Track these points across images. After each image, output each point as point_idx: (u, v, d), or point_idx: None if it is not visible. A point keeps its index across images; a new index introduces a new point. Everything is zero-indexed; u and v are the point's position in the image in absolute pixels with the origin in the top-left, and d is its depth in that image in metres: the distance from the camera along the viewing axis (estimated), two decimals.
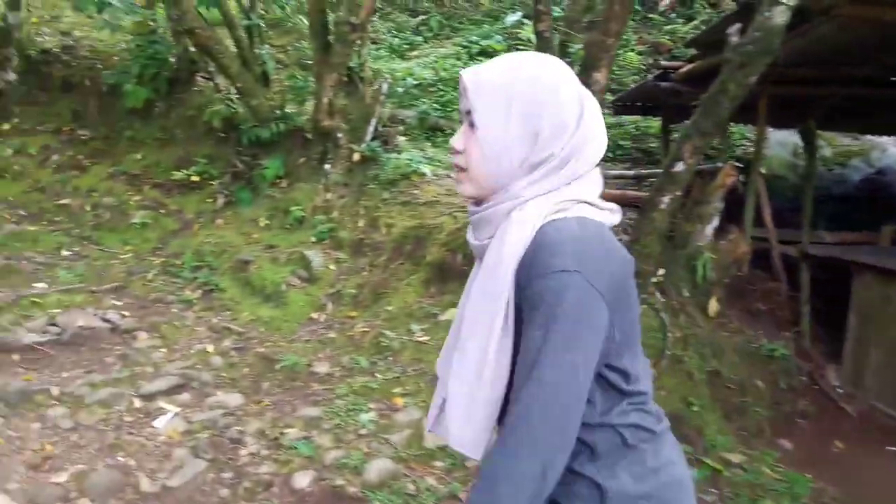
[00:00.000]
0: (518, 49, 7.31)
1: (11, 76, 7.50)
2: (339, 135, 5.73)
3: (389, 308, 4.80)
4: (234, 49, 6.41)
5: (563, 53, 5.45)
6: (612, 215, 1.16)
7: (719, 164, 4.85)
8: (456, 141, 1.17)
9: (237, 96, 6.77)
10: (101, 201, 6.71)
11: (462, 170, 1.16)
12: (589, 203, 1.11)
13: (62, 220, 6.47)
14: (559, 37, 5.53)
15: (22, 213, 6.44)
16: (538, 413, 0.98)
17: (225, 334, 4.74)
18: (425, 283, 4.89)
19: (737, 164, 4.83)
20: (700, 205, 4.38)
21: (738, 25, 4.06)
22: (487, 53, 7.26)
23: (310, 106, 6.24)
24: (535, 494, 0.98)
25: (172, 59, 7.24)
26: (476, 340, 1.09)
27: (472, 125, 1.13)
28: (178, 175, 6.83)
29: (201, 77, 7.64)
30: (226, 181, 6.75)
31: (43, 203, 6.65)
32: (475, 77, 1.13)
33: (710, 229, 4.39)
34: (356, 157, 5.83)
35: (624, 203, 3.35)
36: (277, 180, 6.46)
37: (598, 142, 1.14)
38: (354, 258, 5.40)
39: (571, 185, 1.11)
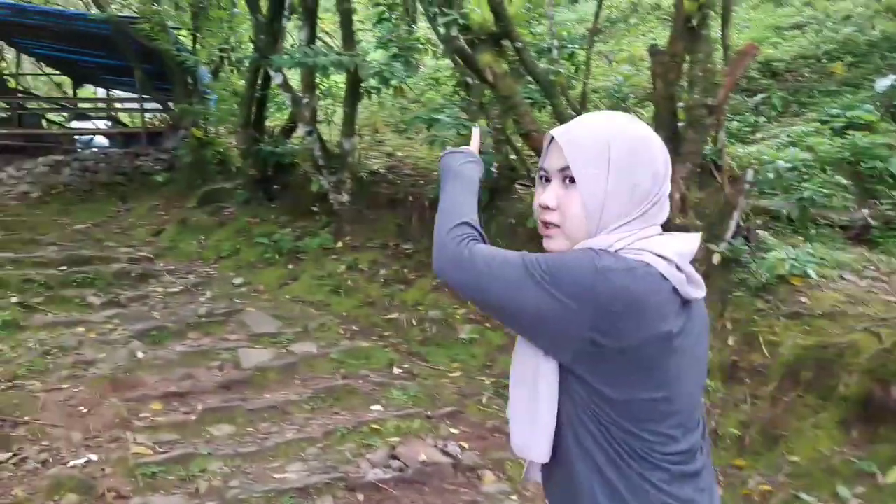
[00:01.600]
0: None
1: (345, 197, 7.85)
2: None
3: (794, 458, 3.63)
4: None
5: None
6: (688, 285, 1.13)
7: None
8: (549, 198, 1.21)
9: None
10: (427, 315, 6.48)
11: (555, 226, 1.21)
12: (665, 258, 1.11)
13: (391, 334, 6.33)
14: None
15: (354, 327, 6.43)
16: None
17: None
18: (842, 424, 3.66)
19: None
20: None
21: None
22: (856, 126, 5.97)
23: None
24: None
25: (493, 169, 7.03)
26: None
27: (568, 181, 1.18)
28: None
29: (520, 185, 7.35)
30: None
31: (373, 317, 6.60)
32: (569, 135, 1.18)
33: None
34: (715, 258, 4.87)
35: None
36: None
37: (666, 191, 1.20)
38: (728, 387, 4.34)
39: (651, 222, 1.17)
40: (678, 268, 1.12)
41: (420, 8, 8.12)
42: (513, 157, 6.97)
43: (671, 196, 4.26)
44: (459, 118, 6.69)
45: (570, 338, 1.09)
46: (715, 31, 5.26)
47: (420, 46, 7.59)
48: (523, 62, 5.11)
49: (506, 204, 7.07)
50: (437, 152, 8.53)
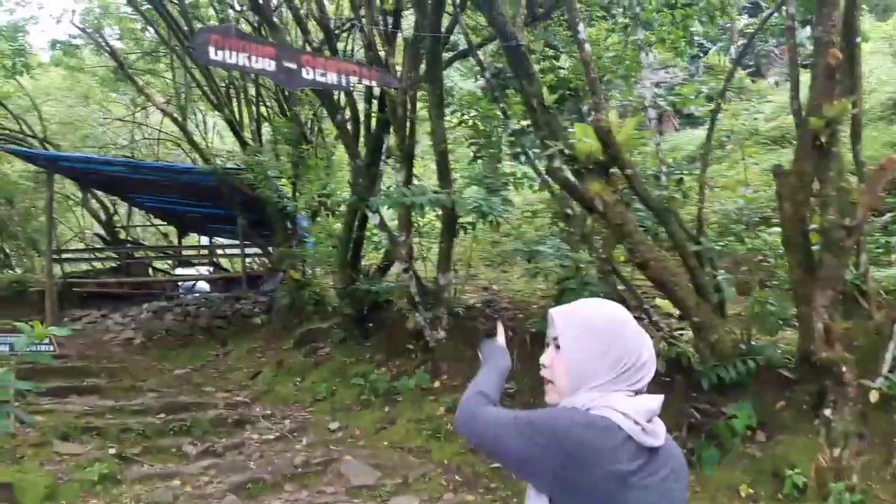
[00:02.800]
0: None
1: (441, 334, 7.59)
2: (843, 368, 4.26)
3: None
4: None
5: None
6: (644, 435, 1.42)
7: None
8: (545, 359, 1.60)
9: (681, 333, 5.81)
10: None
11: (549, 382, 1.58)
12: (623, 413, 1.42)
13: (498, 485, 5.81)
14: None
15: (458, 478, 5.95)
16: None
17: None
18: None
19: None
20: None
21: None
22: None
23: (786, 336, 4.95)
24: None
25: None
26: None
27: (557, 347, 1.55)
28: None
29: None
30: (680, 436, 5.57)
31: (477, 466, 6.11)
32: (563, 313, 1.58)
33: None
34: (873, 396, 4.26)
35: None
36: (750, 432, 5.10)
37: (650, 370, 1.53)
38: None
39: (630, 389, 1.50)
40: (635, 421, 1.40)
41: (504, 149, 8.23)
42: (621, 287, 6.61)
43: (813, 326, 3.73)
44: (561, 249, 6.45)
45: (545, 472, 1.42)
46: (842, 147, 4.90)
47: (515, 181, 7.52)
48: (634, 189, 4.88)
49: None
50: (540, 284, 8.28)
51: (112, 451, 6.07)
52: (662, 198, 5.15)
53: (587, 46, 4.73)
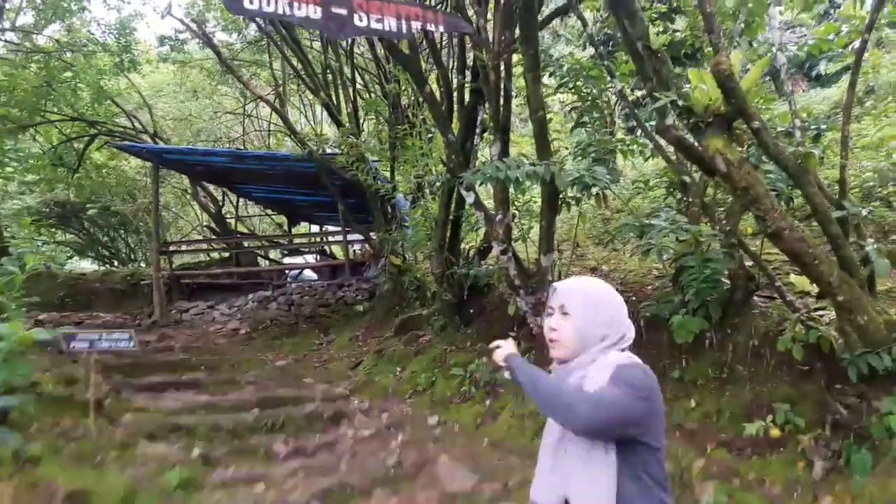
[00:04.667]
0: None
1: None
2: None
3: None
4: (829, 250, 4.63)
5: None
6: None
7: None
8: (553, 322, 2.11)
9: (821, 314, 4.91)
10: None
11: (555, 341, 2.10)
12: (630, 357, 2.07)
13: None
14: None
15: None
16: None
17: None
18: None
19: None
20: None
21: None
22: None
23: None
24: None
25: (724, 280, 5.81)
26: (599, 460, 1.98)
27: (565, 314, 2.08)
28: (750, 428, 5.01)
29: (760, 296, 6.02)
30: (823, 435, 4.71)
31: None
32: (569, 287, 2.12)
33: None
34: None
35: None
36: None
37: (633, 334, 2.14)
38: None
39: (620, 348, 2.09)
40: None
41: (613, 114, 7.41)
42: (749, 263, 5.73)
43: None
44: (677, 222, 5.63)
45: (650, 415, 1.95)
46: None
47: (624, 148, 6.72)
48: (764, 146, 4.02)
49: (743, 321, 5.75)
50: (653, 263, 7.45)
51: (197, 451, 5.84)
52: (797, 155, 4.25)
53: None
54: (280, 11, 3.98)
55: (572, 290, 2.09)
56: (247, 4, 3.93)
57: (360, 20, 4.19)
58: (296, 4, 3.98)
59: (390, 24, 4.28)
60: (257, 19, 13.47)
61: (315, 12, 4.03)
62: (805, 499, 4.45)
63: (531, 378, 2.10)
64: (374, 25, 4.25)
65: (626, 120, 7.92)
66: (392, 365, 8.63)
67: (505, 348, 2.31)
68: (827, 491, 4.42)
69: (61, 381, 6.60)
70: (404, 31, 4.37)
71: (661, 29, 7.01)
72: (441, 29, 4.85)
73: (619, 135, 7.85)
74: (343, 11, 4.11)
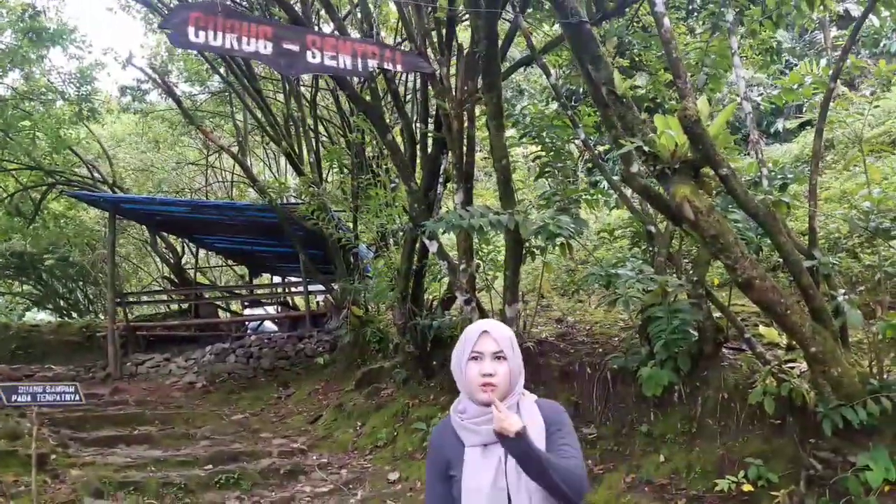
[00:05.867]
0: None
1: None
2: None
3: None
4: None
5: None
6: None
7: None
8: (489, 368, 2.06)
9: (791, 366, 4.83)
10: None
11: (494, 385, 2.05)
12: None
13: None
14: None
15: None
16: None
17: None
18: None
19: None
20: None
21: None
22: None
23: None
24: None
25: (691, 332, 5.72)
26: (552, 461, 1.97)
27: (498, 359, 2.07)
28: (722, 484, 4.86)
29: (729, 348, 5.94)
30: (798, 491, 4.57)
31: None
32: (500, 333, 2.12)
33: None
34: None
35: None
36: (888, 487, 4.09)
37: None
38: None
39: None
40: None
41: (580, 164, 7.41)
42: (717, 315, 5.67)
43: None
44: (643, 272, 5.56)
45: None
46: None
47: (588, 198, 6.69)
48: (733, 193, 3.97)
49: (713, 373, 5.65)
50: (620, 314, 7.37)
51: None
52: (766, 203, 4.22)
53: (666, 21, 3.92)
54: (227, 46, 3.86)
55: (504, 336, 2.11)
56: (192, 38, 3.79)
57: (313, 57, 4.08)
58: (244, 39, 3.85)
59: (345, 61, 4.17)
60: (220, 70, 13.44)
61: (265, 48, 3.93)
62: None
63: (546, 454, 1.98)
64: (328, 63, 4.14)
65: (590, 173, 7.92)
66: (352, 419, 8.36)
67: (515, 417, 1.99)
68: None
69: (4, 436, 6.39)
70: (360, 68, 4.27)
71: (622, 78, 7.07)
72: (399, 68, 4.79)
73: (583, 186, 7.85)
74: (295, 48, 4.00)
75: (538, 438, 1.99)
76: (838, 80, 5.30)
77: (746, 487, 4.77)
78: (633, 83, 7.24)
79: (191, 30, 3.74)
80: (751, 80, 13.47)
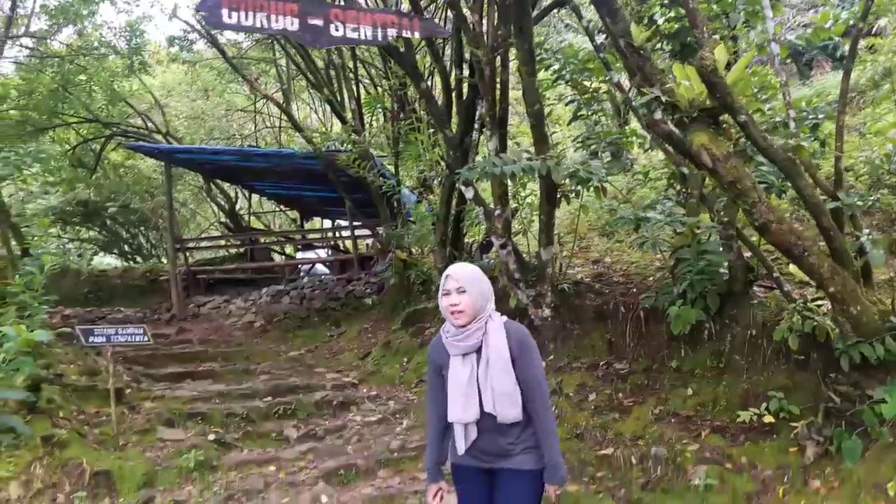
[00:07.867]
0: None
1: (546, 312, 7.03)
2: None
3: None
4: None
5: None
6: None
7: None
8: (454, 299, 2.77)
9: (819, 304, 4.97)
10: (649, 452, 5.32)
11: (461, 311, 2.76)
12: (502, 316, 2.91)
13: (605, 475, 5.23)
14: None
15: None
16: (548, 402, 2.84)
17: None
18: None
19: None
20: None
21: None
22: None
23: None
24: None
25: (722, 271, 5.88)
26: (510, 377, 2.75)
27: (462, 292, 2.76)
28: (744, 415, 5.11)
29: (759, 287, 6.08)
30: (816, 422, 4.80)
31: (583, 453, 5.53)
32: (461, 272, 2.82)
33: None
34: None
35: None
36: None
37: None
38: None
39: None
40: None
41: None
42: (747, 254, 5.79)
43: None
44: (674, 214, 5.69)
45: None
46: None
47: (624, 140, 6.77)
48: (751, 139, 4.08)
49: (741, 311, 5.82)
50: (649, 256, 7.51)
51: (212, 436, 6.10)
52: (786, 147, 4.31)
53: None
54: (258, 24, 4.16)
55: (464, 275, 2.80)
56: (225, 19, 4.12)
57: (336, 30, 4.34)
58: (273, 17, 4.15)
59: (366, 32, 4.42)
60: None
61: (292, 24, 4.20)
62: (795, 482, 4.55)
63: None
64: (350, 35, 4.40)
65: (622, 113, 7.95)
66: (399, 356, 8.79)
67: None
68: (817, 475, 4.52)
69: (85, 373, 6.97)
70: (380, 38, 4.51)
71: (669, 14, 6.89)
72: (417, 35, 4.97)
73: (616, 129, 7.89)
74: (319, 22, 4.25)
75: (501, 348, 2.73)
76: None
77: (768, 419, 5.01)
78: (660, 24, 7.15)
79: (224, 11, 4.05)
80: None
